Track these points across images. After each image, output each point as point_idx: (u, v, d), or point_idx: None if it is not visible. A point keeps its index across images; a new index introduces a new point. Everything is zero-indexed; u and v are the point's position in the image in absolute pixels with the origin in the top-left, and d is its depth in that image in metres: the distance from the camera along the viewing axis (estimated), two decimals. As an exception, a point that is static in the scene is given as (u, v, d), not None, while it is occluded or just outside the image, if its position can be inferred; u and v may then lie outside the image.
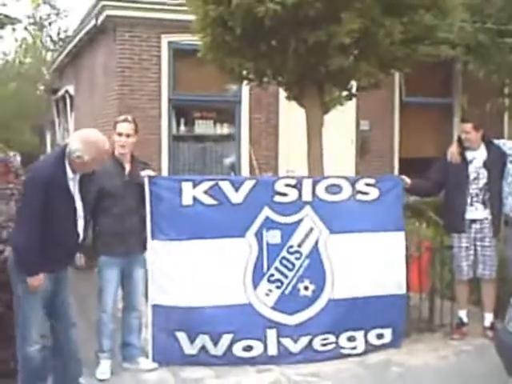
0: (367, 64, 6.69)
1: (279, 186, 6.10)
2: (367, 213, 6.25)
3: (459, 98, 12.31)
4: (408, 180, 6.52)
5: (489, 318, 6.70)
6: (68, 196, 4.89)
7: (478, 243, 6.67)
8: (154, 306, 5.86)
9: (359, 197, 6.24)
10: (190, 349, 5.89)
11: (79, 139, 4.91)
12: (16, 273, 4.89)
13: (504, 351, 4.96)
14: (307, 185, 6.14)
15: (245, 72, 7.16)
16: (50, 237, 4.78)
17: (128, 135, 5.72)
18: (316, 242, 6.12)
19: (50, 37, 28.82)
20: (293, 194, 6.10)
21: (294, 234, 6.09)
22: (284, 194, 6.09)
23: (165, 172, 10.55)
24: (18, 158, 6.22)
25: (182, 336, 5.87)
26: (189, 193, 5.89)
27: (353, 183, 6.25)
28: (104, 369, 5.66)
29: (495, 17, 10.40)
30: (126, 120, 5.81)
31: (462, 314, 6.79)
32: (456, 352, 6.34)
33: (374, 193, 6.27)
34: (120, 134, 5.69)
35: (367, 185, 6.28)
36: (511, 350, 4.84)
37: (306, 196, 6.12)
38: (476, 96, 11.06)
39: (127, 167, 5.75)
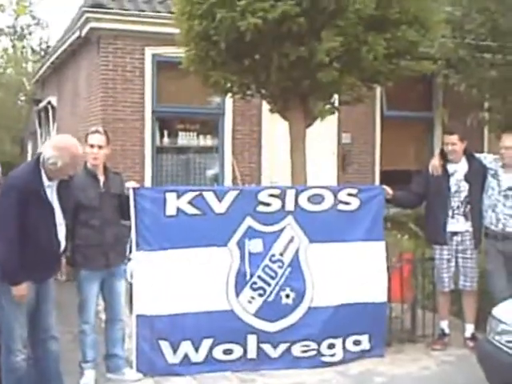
0: (350, 78, 6.77)
1: (263, 196, 6.18)
2: (348, 222, 6.34)
3: (440, 112, 12.44)
4: (390, 190, 6.62)
5: (470, 328, 6.79)
6: (46, 203, 4.91)
7: (460, 255, 6.76)
8: (138, 316, 5.90)
9: (340, 207, 6.33)
10: (173, 358, 5.94)
11: (52, 146, 4.97)
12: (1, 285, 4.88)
13: (485, 361, 5.04)
14: (290, 195, 6.22)
15: (229, 85, 7.20)
16: (30, 245, 4.79)
17: (100, 146, 5.73)
18: (296, 251, 6.21)
19: (31, 47, 28.74)
20: (276, 204, 6.19)
21: (275, 242, 6.18)
22: (267, 204, 6.17)
23: (148, 183, 10.56)
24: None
25: (165, 345, 5.92)
26: (173, 203, 5.96)
27: (335, 193, 6.34)
28: (88, 379, 5.67)
29: (475, 32, 10.55)
30: (97, 131, 5.84)
31: (444, 324, 6.87)
32: (438, 362, 6.42)
33: (355, 203, 6.36)
34: (92, 146, 5.70)
35: (349, 195, 6.38)
36: (492, 360, 4.93)
37: (289, 206, 6.21)
38: (456, 110, 11.18)
39: (101, 179, 5.76)
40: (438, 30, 7.27)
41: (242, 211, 6.12)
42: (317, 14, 6.16)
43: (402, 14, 6.53)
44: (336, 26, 6.21)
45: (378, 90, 11.02)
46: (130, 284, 6.33)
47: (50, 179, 4.93)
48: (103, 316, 5.97)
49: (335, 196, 6.31)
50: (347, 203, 6.35)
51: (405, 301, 7.05)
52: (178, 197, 5.98)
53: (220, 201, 6.06)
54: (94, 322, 5.73)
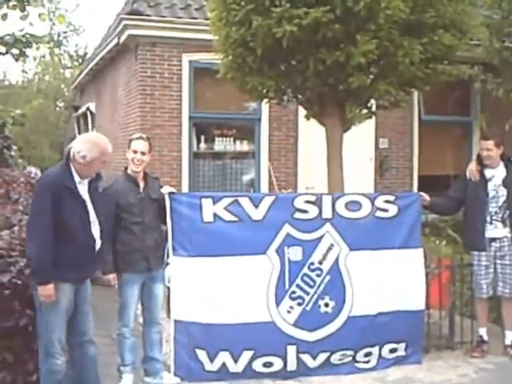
0: (386, 83, 6.76)
1: (299, 203, 6.16)
2: (386, 230, 6.30)
3: (478, 117, 12.33)
4: (427, 197, 6.58)
5: (509, 336, 6.71)
6: (78, 199, 4.97)
7: (498, 261, 6.69)
8: (176, 322, 5.92)
9: (378, 214, 6.29)
10: (210, 366, 5.93)
11: (83, 140, 5.11)
12: (35, 285, 4.93)
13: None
14: (327, 201, 6.20)
15: (265, 91, 7.23)
16: (65, 240, 4.84)
17: (143, 153, 5.80)
18: (336, 259, 6.16)
19: (68, 53, 29.16)
20: (313, 211, 6.16)
21: (314, 250, 6.13)
22: (304, 211, 6.14)
23: (185, 189, 10.65)
24: (39, 173, 6.34)
25: (201, 353, 5.91)
26: (209, 209, 5.96)
27: (372, 200, 6.31)
28: (126, 383, 5.72)
29: (514, 35, 10.47)
30: (140, 138, 5.90)
31: (482, 331, 6.80)
32: (476, 370, 6.35)
33: (392, 210, 6.32)
34: (135, 152, 5.78)
35: (386, 202, 6.34)
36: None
37: (327, 213, 6.18)
38: (495, 115, 11.07)
39: (141, 184, 5.83)
40: (475, 33, 7.23)
41: (279, 218, 6.08)
42: (350, 19, 6.16)
43: (439, 18, 6.51)
44: (370, 31, 6.22)
45: (416, 94, 10.96)
46: (168, 288, 6.38)
47: (80, 177, 5.00)
48: (141, 320, 6.02)
49: (372, 203, 6.28)
50: (385, 210, 6.31)
51: (443, 307, 6.99)
52: (214, 203, 5.98)
53: (256, 207, 6.04)
54: (133, 325, 5.79)
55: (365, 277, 6.19)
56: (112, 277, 5.66)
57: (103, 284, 5.85)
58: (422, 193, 6.72)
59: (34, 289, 4.94)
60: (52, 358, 4.95)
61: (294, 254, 6.08)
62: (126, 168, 5.84)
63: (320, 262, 6.13)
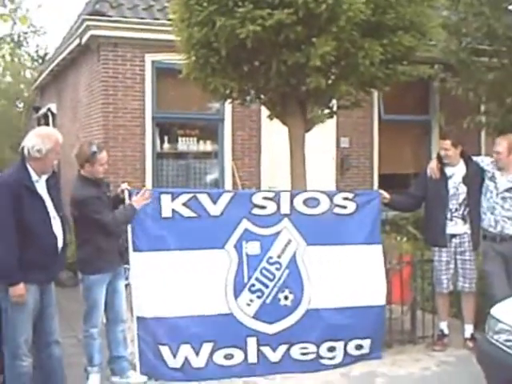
0: (347, 83, 6.87)
1: (257, 199, 6.27)
2: (344, 226, 6.43)
3: (437, 116, 12.55)
4: (386, 194, 6.70)
5: (469, 329, 6.87)
6: (37, 198, 4.97)
7: (458, 257, 6.84)
8: (139, 318, 5.94)
9: (337, 210, 6.42)
10: (173, 363, 5.98)
11: (33, 135, 5.09)
12: (2, 287, 4.91)
13: (484, 360, 5.12)
14: (285, 198, 6.31)
15: (228, 91, 7.29)
16: (28, 243, 4.83)
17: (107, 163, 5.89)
18: (294, 254, 6.28)
19: (29, 54, 28.82)
20: (271, 207, 6.27)
21: (272, 245, 6.25)
22: (262, 207, 6.26)
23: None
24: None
25: (164, 349, 5.95)
26: (168, 205, 6.04)
27: (331, 197, 6.43)
28: (94, 383, 5.73)
29: (471, 36, 10.68)
30: (104, 148, 5.90)
31: (443, 325, 6.96)
32: (438, 363, 6.49)
33: (351, 206, 6.45)
34: (103, 164, 5.77)
35: (345, 199, 6.46)
36: (491, 359, 5.00)
37: (285, 208, 6.29)
38: (454, 113, 11.27)
39: (101, 187, 5.85)
40: (434, 34, 7.37)
41: (237, 214, 6.20)
42: (313, 21, 6.25)
43: (398, 19, 6.64)
44: (331, 33, 6.30)
45: (376, 94, 11.11)
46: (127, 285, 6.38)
47: (37, 174, 5.00)
48: (104, 319, 6.03)
49: (331, 200, 6.40)
50: (343, 207, 6.43)
51: (404, 302, 7.12)
52: (173, 199, 6.06)
53: (215, 203, 6.14)
54: (100, 326, 5.80)
55: (322, 271, 6.31)
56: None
57: (64, 285, 5.83)
58: (381, 190, 6.85)
59: (1, 292, 4.91)
60: (18, 360, 4.94)
61: (252, 248, 6.19)
62: (80, 172, 5.78)
63: (278, 256, 6.24)
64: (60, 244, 5.11)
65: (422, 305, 7.37)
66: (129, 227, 5.93)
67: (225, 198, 6.20)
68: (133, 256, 5.95)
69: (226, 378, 6.01)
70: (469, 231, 6.83)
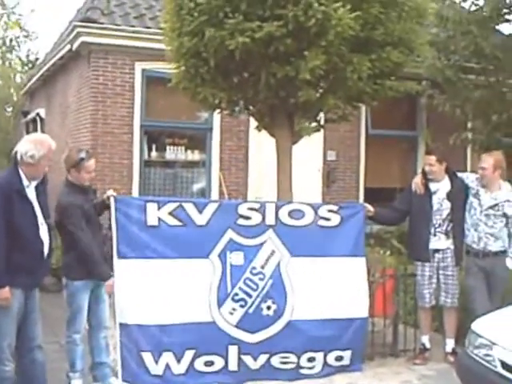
0: (335, 97, 6.93)
1: (242, 210, 6.30)
2: (328, 238, 6.46)
3: (423, 131, 12.65)
4: (371, 208, 6.75)
5: (450, 343, 6.93)
6: (27, 203, 5.00)
7: (441, 272, 6.90)
8: (121, 325, 5.93)
9: (321, 222, 6.45)
10: (155, 370, 5.97)
11: (27, 141, 5.13)
12: None
13: (464, 375, 5.18)
14: (270, 209, 6.35)
15: (217, 101, 7.32)
16: (16, 245, 4.85)
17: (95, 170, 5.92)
18: (278, 264, 6.31)
19: (20, 59, 28.75)
20: (256, 218, 6.31)
21: (256, 255, 6.28)
22: (247, 218, 6.29)
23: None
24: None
25: (146, 356, 5.95)
26: (154, 214, 6.06)
27: (315, 209, 6.47)
28: (75, 389, 5.73)
29: (459, 54, 10.79)
30: (92, 156, 5.92)
31: (425, 339, 7.00)
32: (419, 376, 6.53)
33: (335, 219, 6.49)
34: (89, 172, 5.80)
35: (329, 211, 6.51)
36: (471, 374, 5.06)
37: (269, 220, 6.33)
38: (440, 129, 11.38)
39: (87, 194, 5.88)
40: (422, 51, 7.46)
41: (222, 224, 6.22)
42: (302, 34, 6.31)
43: (387, 35, 6.71)
44: (320, 46, 6.36)
45: (363, 108, 11.19)
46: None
47: (28, 179, 5.03)
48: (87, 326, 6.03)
49: (316, 212, 6.45)
50: (328, 219, 6.47)
51: (387, 316, 7.17)
52: (159, 207, 6.08)
53: (200, 212, 6.17)
54: (83, 331, 5.81)
55: (306, 282, 6.34)
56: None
57: (48, 290, 5.83)
58: (366, 204, 6.90)
59: None
60: (1, 365, 4.94)
61: (236, 258, 6.22)
62: (68, 178, 5.81)
63: (262, 267, 6.27)
64: (46, 250, 5.12)
65: (405, 318, 7.42)
66: (114, 234, 5.94)
67: (211, 208, 6.23)
68: (117, 263, 5.95)
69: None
70: (452, 246, 6.89)
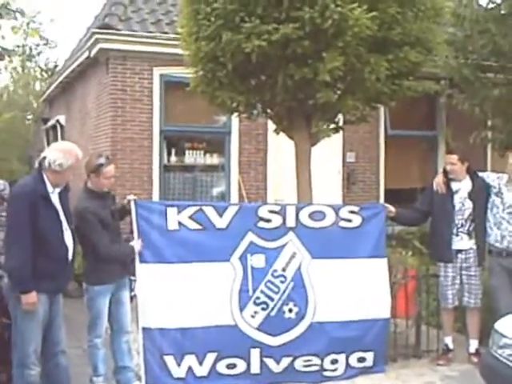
0: (353, 99, 6.91)
1: (263, 212, 6.29)
2: (350, 239, 6.44)
3: (443, 131, 12.58)
4: (392, 208, 6.72)
5: (473, 344, 6.87)
6: (52, 208, 5.05)
7: (464, 272, 6.85)
8: (144, 329, 5.96)
9: (342, 224, 6.43)
10: (177, 372, 6.00)
11: (57, 149, 5.19)
12: (13, 296, 4.98)
13: (488, 375, 5.13)
14: (291, 211, 6.33)
15: (235, 105, 7.34)
16: (41, 251, 4.90)
17: (115, 176, 5.95)
18: (299, 267, 6.29)
19: (39, 67, 29.01)
20: (276, 220, 6.30)
21: (277, 258, 6.26)
22: (268, 220, 6.28)
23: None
24: (7, 186, 6.37)
25: (169, 360, 5.97)
26: (174, 218, 6.07)
27: (336, 210, 6.45)
28: (99, 393, 5.76)
29: (477, 53, 10.72)
30: (111, 162, 5.92)
31: (448, 340, 6.96)
32: (442, 377, 6.49)
33: (356, 220, 6.46)
34: (108, 178, 5.81)
35: (350, 212, 6.48)
36: (495, 374, 5.01)
37: (290, 222, 6.31)
38: (460, 128, 11.32)
39: (106, 200, 5.90)
40: (440, 50, 7.42)
41: (243, 227, 6.22)
42: (319, 36, 6.30)
43: (405, 35, 6.68)
44: (338, 48, 6.35)
45: (382, 109, 11.17)
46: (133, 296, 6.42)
47: (52, 186, 5.08)
48: (109, 330, 6.06)
49: (336, 213, 6.42)
50: (349, 220, 6.45)
51: (409, 317, 7.13)
52: (179, 212, 6.10)
53: (220, 216, 6.17)
54: (104, 336, 5.84)
55: (327, 284, 6.32)
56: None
57: (70, 296, 5.87)
58: (387, 204, 6.86)
59: (11, 300, 4.99)
60: (27, 369, 4.99)
61: (257, 261, 6.21)
62: (87, 185, 5.83)
63: (283, 269, 6.25)
64: (70, 255, 5.19)
65: (427, 319, 7.38)
66: (135, 239, 5.97)
67: (230, 211, 6.23)
68: (139, 267, 5.98)
69: None
70: (474, 247, 6.84)
